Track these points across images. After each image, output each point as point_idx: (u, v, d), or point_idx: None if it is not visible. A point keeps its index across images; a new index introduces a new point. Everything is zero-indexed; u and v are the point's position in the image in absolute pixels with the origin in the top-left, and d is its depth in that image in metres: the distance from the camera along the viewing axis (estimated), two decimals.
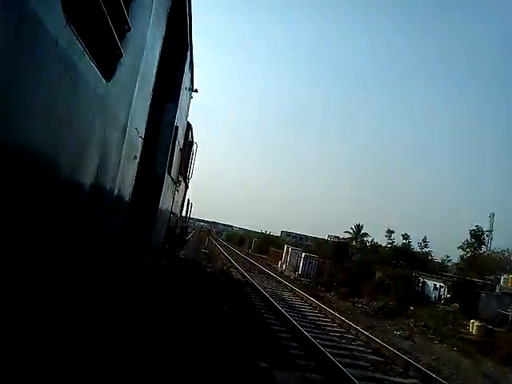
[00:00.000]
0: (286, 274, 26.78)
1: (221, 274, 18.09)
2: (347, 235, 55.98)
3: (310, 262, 26.37)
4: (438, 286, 22.21)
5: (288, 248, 32.19)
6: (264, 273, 24.32)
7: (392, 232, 43.06)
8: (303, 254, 27.87)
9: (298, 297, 16.79)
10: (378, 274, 23.93)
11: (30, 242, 1.46)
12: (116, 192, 2.55)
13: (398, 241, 40.00)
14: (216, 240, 52.92)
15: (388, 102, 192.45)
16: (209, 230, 33.45)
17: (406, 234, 40.16)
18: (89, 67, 1.69)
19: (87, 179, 1.94)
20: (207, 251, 29.60)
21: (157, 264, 5.81)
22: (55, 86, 1.44)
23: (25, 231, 1.40)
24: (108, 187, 2.36)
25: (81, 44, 1.56)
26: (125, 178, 2.74)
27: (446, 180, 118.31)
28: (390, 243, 41.12)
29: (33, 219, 1.45)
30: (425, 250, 36.87)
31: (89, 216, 2.11)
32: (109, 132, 2.12)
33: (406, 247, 36.64)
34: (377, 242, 40.48)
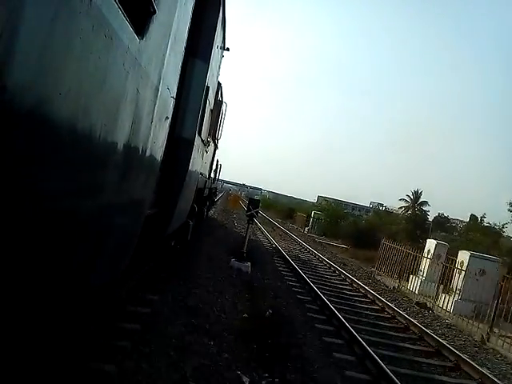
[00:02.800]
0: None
1: None
2: (402, 203, 47.49)
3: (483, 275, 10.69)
4: None
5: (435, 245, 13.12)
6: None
7: None
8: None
9: None
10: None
11: (62, 196, 1.50)
12: (148, 153, 2.55)
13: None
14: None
15: None
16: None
17: None
18: (122, 24, 1.65)
19: (119, 139, 1.94)
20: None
21: (185, 225, 5.93)
22: (89, 43, 1.41)
23: (58, 187, 1.44)
24: (140, 148, 2.36)
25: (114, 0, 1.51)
26: (157, 139, 2.73)
27: None
28: None
29: (65, 175, 1.47)
30: None
31: (122, 177, 2.14)
32: (141, 91, 2.10)
33: None
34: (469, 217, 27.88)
